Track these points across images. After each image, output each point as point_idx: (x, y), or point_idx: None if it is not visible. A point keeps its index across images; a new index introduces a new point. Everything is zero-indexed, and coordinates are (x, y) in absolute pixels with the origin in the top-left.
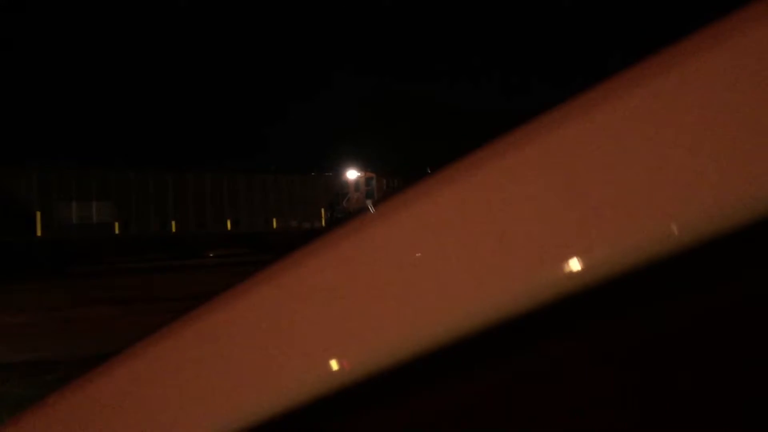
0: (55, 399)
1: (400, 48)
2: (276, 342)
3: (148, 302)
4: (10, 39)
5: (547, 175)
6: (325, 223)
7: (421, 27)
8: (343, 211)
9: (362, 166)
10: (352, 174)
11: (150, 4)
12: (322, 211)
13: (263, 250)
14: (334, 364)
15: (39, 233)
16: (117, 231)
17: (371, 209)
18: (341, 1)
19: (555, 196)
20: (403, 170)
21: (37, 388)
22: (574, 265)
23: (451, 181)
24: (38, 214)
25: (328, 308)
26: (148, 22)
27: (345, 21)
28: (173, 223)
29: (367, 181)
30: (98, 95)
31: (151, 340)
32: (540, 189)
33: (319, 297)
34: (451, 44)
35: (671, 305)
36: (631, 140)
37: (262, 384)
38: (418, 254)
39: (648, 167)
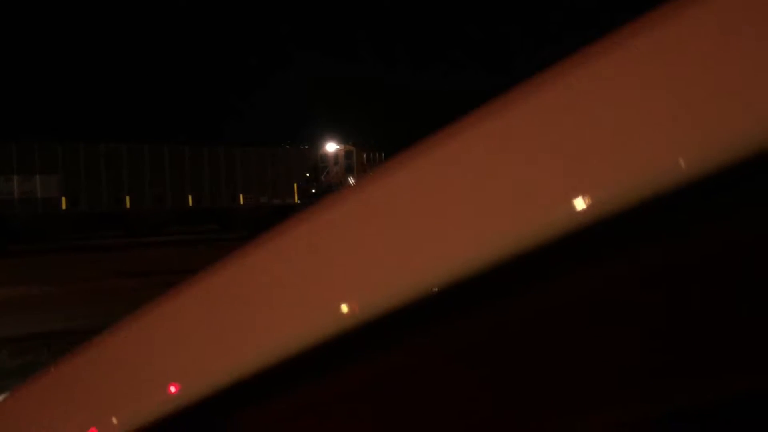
0: (61, 362)
1: (384, 28)
2: (287, 291)
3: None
4: None
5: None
6: (300, 198)
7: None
8: (322, 186)
9: (341, 139)
10: (331, 147)
11: None
12: (295, 186)
13: (229, 227)
14: (344, 307)
15: None
16: (64, 207)
17: (352, 183)
18: None
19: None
20: (383, 144)
21: None
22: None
23: (444, 143)
24: None
25: (338, 259)
26: None
27: None
28: (127, 198)
29: (347, 154)
30: (48, 62)
31: (162, 299)
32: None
33: (330, 248)
34: (434, 25)
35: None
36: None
37: (279, 325)
38: (417, 207)
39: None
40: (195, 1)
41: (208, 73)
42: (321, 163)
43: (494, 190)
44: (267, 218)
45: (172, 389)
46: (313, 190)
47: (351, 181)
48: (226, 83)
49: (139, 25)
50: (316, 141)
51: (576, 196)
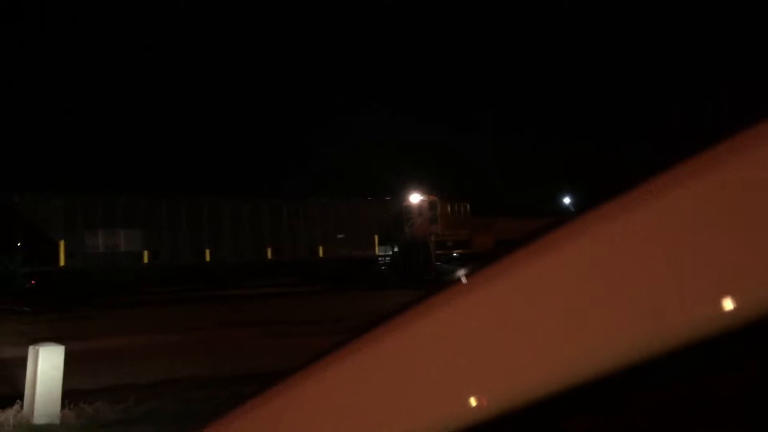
0: (256, 402)
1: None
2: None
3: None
4: (36, 67)
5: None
6: (381, 249)
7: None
8: (406, 238)
9: (424, 190)
10: (414, 198)
11: (174, 30)
12: (376, 238)
13: (309, 280)
14: (472, 401)
15: (62, 263)
16: (145, 260)
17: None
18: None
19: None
20: (467, 193)
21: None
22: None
23: (564, 242)
24: (62, 243)
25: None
26: (178, 48)
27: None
28: (207, 251)
29: (431, 205)
30: (127, 121)
31: (339, 354)
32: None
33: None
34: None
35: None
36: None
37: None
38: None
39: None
40: (278, 51)
41: (289, 126)
42: (405, 214)
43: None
44: (347, 270)
45: None
46: (399, 242)
47: (461, 274)
48: (308, 135)
49: (219, 75)
50: (399, 192)
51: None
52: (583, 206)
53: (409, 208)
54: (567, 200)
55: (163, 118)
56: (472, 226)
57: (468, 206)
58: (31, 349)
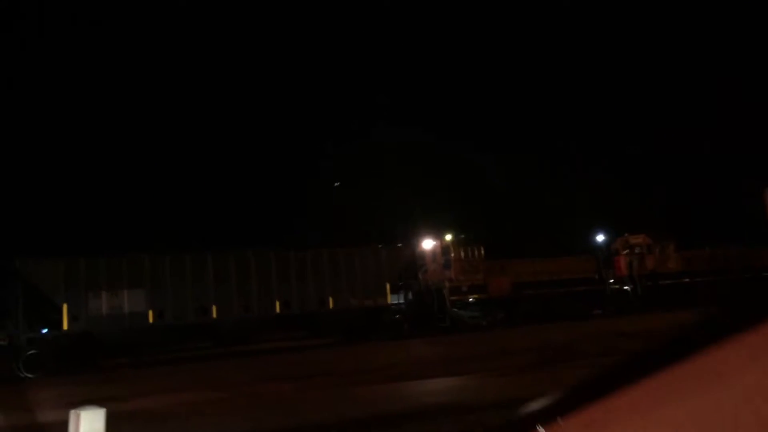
0: None
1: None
2: None
3: None
4: (30, 126)
5: None
6: (393, 297)
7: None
8: (420, 285)
9: (436, 235)
10: (427, 243)
11: (170, 64)
12: (387, 286)
13: (318, 332)
14: None
15: (66, 326)
16: (151, 320)
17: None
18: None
19: None
20: (481, 236)
21: None
22: None
23: None
24: (65, 307)
25: None
26: (172, 107)
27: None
28: (214, 308)
29: (444, 250)
30: (125, 180)
31: None
32: None
33: None
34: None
35: None
36: None
37: None
38: None
39: None
40: (274, 101)
41: (291, 175)
42: (418, 260)
43: None
44: (359, 321)
45: None
46: (404, 290)
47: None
48: (310, 184)
49: (215, 130)
50: (410, 238)
51: None
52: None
53: (422, 254)
54: (600, 238)
55: (161, 174)
56: (488, 270)
57: (482, 249)
58: (72, 413)
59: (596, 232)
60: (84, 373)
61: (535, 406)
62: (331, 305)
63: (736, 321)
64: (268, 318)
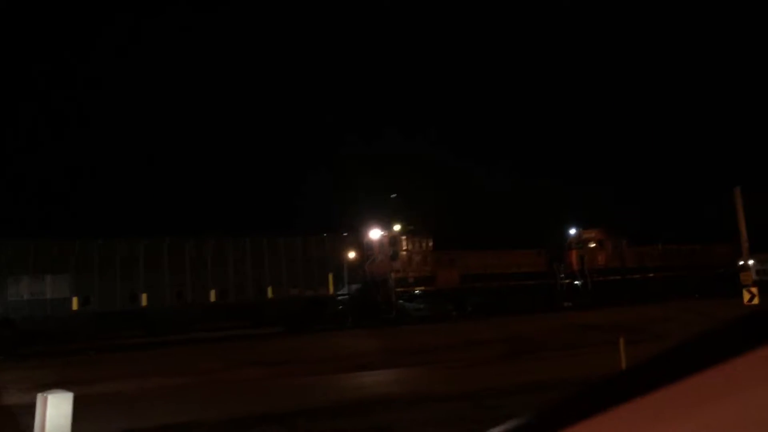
0: None
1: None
2: None
3: None
4: None
5: None
6: (338, 288)
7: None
8: (366, 276)
9: (384, 225)
10: (375, 234)
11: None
12: (330, 276)
13: (258, 323)
14: None
15: None
16: (75, 307)
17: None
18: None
19: None
20: (429, 228)
21: None
22: None
23: None
24: None
25: None
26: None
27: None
28: (144, 296)
29: (392, 240)
30: (54, 162)
31: None
32: None
33: None
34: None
35: None
36: None
37: None
38: None
39: None
40: (227, 94)
41: (235, 160)
42: (366, 251)
43: None
44: (300, 311)
45: None
46: (348, 280)
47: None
48: (257, 170)
49: (165, 120)
50: (357, 228)
51: None
52: None
53: (369, 244)
54: (573, 231)
55: (91, 157)
56: (436, 262)
57: (430, 241)
58: (39, 397)
59: (551, 226)
60: (47, 356)
61: (525, 419)
62: (270, 295)
63: (721, 347)
64: (203, 307)
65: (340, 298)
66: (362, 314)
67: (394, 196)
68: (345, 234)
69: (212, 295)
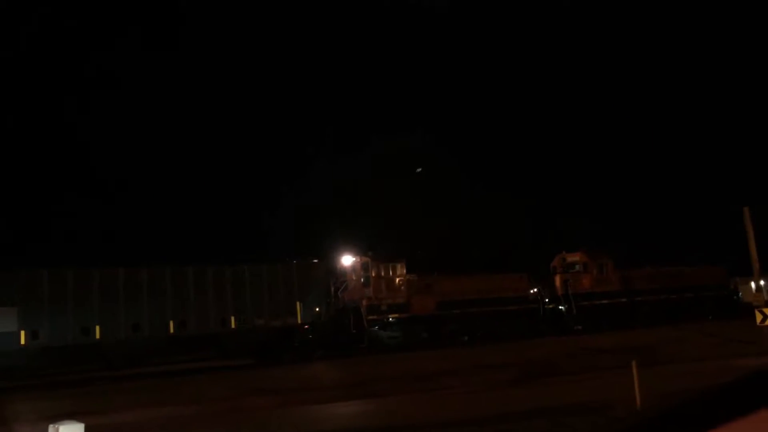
0: None
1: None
2: None
3: None
4: None
5: None
6: (308, 316)
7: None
8: (338, 304)
9: (356, 250)
10: (347, 260)
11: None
12: (298, 305)
13: (222, 354)
14: None
15: None
16: (23, 341)
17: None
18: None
19: None
20: (400, 253)
21: None
22: None
23: None
24: None
25: None
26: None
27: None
28: (97, 328)
29: (364, 266)
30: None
31: None
32: None
33: None
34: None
35: None
36: None
37: None
38: None
39: None
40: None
41: (198, 186)
42: (339, 278)
43: None
44: (266, 341)
45: None
46: (317, 308)
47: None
48: (222, 196)
49: (118, 144)
50: (328, 254)
51: None
52: None
53: (343, 271)
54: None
55: (40, 186)
56: (410, 288)
57: (404, 266)
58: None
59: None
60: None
61: None
62: (233, 325)
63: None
64: (161, 339)
65: (309, 327)
66: (333, 343)
67: (419, 170)
68: (315, 261)
69: (171, 327)
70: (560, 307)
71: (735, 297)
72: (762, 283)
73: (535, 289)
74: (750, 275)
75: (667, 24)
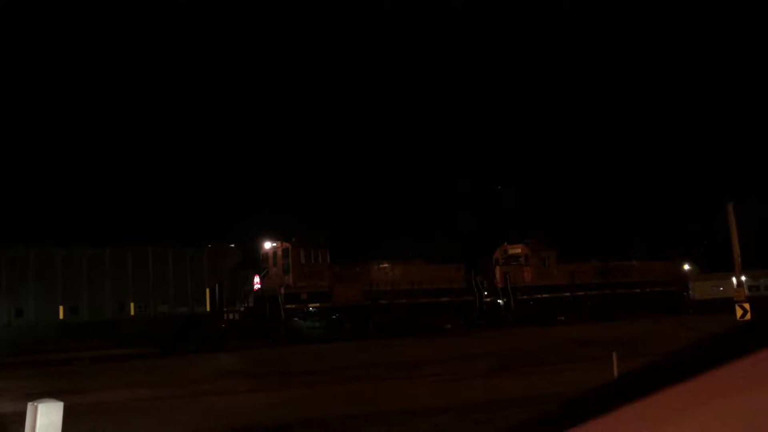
0: None
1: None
2: None
3: None
4: None
5: None
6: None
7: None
8: (258, 293)
9: (277, 235)
10: (268, 245)
11: None
12: (207, 292)
13: (120, 343)
14: None
15: None
16: None
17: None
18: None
19: None
20: (323, 239)
21: None
22: None
23: None
24: None
25: None
26: None
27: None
28: None
29: (284, 252)
30: None
31: None
32: None
33: None
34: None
35: None
36: None
37: None
38: None
39: None
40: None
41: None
42: (261, 264)
43: None
44: (169, 330)
45: None
46: (231, 296)
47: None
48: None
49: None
50: (247, 239)
51: None
52: None
53: (265, 257)
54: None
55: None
56: (334, 276)
57: (327, 253)
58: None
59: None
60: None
61: (529, 423)
62: (132, 312)
63: (715, 352)
64: (49, 325)
65: (223, 315)
66: (249, 333)
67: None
68: (232, 245)
69: (60, 312)
70: (498, 301)
71: (684, 293)
72: (743, 278)
73: (474, 281)
74: (728, 270)
75: (643, 20)
